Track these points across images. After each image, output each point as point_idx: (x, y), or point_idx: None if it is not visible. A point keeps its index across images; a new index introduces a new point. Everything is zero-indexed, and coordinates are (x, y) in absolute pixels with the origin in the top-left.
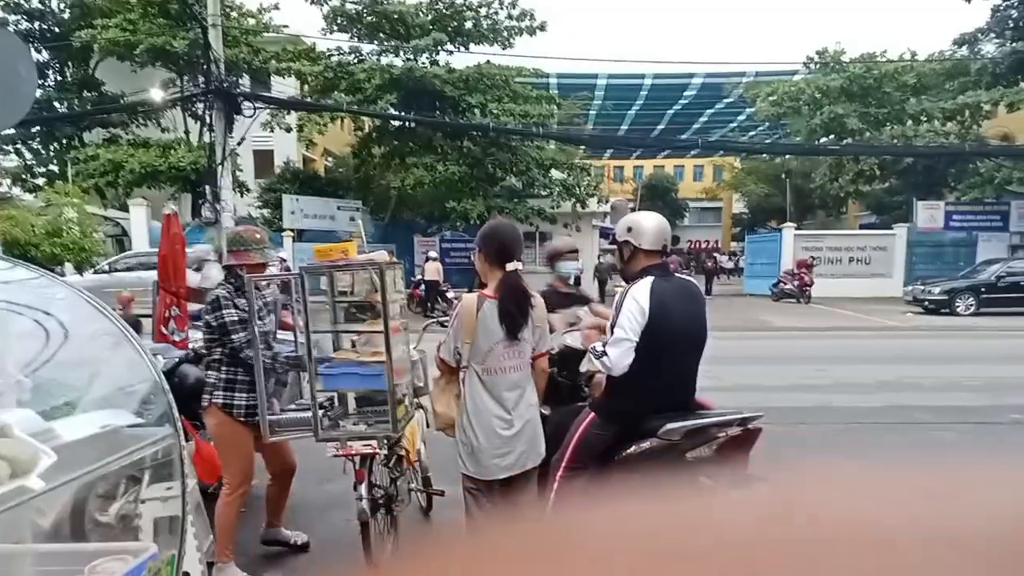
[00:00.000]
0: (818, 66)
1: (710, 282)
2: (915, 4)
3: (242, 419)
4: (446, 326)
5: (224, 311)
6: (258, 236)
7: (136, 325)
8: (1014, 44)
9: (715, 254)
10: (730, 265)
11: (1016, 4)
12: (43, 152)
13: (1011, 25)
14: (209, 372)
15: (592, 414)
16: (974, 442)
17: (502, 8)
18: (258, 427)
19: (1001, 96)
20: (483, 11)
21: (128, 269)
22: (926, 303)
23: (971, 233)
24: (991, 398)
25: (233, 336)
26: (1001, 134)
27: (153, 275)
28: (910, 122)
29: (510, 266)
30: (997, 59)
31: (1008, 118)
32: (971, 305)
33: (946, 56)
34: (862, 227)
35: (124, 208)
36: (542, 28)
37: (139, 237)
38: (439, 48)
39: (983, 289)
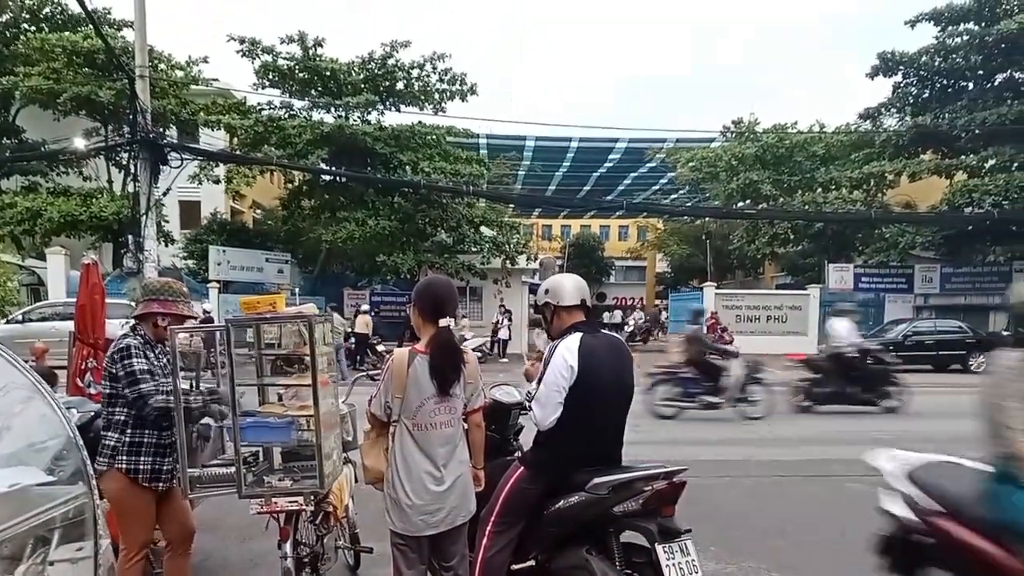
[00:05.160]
0: (734, 135)
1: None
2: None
3: (145, 483)
4: (376, 379)
5: (135, 359)
6: (185, 289)
7: (50, 377)
8: (914, 119)
9: (664, 310)
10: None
11: (915, 82)
12: None
13: (911, 101)
14: (109, 434)
15: (521, 468)
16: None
17: (434, 72)
18: (160, 490)
19: (903, 166)
20: (415, 73)
21: (43, 319)
22: None
23: (879, 294)
24: None
25: (141, 386)
26: (904, 202)
27: (69, 325)
28: (820, 189)
29: (443, 322)
30: (899, 132)
31: (910, 187)
32: None
33: (852, 129)
34: (778, 287)
35: (42, 257)
36: (472, 91)
37: (56, 286)
38: (371, 108)
39: (891, 348)
